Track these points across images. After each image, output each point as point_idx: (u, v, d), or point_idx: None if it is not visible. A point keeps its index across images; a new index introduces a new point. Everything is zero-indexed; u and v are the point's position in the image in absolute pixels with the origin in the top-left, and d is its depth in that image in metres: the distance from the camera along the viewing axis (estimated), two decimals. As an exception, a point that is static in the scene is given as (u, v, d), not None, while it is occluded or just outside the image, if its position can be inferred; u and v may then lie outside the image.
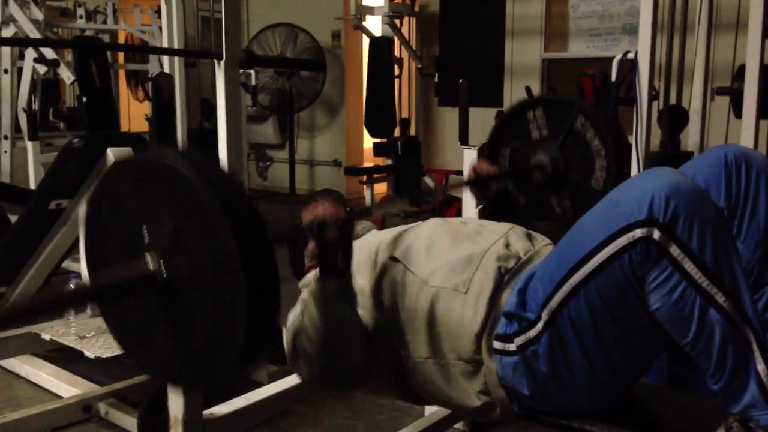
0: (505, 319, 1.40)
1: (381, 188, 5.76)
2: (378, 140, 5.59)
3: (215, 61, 2.61)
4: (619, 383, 1.43)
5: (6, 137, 5.18)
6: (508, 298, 1.41)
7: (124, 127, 7.05)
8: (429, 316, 1.46)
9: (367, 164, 6.14)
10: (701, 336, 1.18)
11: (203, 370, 1.10)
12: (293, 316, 1.54)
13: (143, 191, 1.11)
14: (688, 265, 1.16)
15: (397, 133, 5.71)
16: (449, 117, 5.78)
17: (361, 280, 1.55)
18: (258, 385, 2.17)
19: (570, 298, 1.27)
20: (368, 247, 1.61)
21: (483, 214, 1.98)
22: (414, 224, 1.70)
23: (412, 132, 5.98)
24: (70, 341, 2.28)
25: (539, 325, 1.33)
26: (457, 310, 1.44)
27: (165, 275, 1.05)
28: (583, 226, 1.31)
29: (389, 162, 5.60)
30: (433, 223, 1.68)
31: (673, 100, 2.98)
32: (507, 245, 1.52)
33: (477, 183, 1.87)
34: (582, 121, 1.93)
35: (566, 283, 1.27)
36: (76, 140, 2.25)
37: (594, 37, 5.43)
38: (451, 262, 1.49)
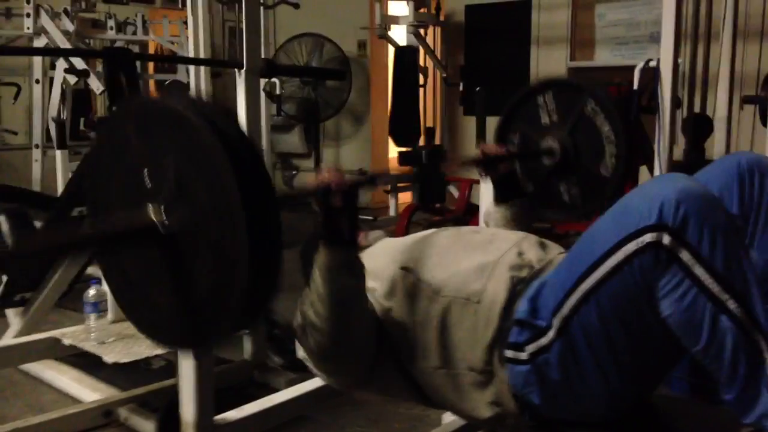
0: (517, 327, 1.38)
1: (406, 197, 5.76)
2: (403, 149, 5.59)
3: (236, 70, 2.66)
4: (633, 391, 1.41)
5: (37, 146, 5.29)
6: (520, 306, 1.40)
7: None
8: (440, 327, 1.45)
9: (392, 173, 6.14)
10: (713, 343, 1.16)
11: (203, 326, 1.06)
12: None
13: (146, 136, 1.08)
14: (699, 271, 1.14)
15: (422, 142, 5.71)
16: (474, 126, 5.76)
17: (375, 286, 1.54)
18: (275, 391, 2.19)
19: (581, 305, 1.26)
20: (382, 256, 1.61)
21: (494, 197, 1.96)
22: (425, 233, 1.70)
23: (437, 141, 5.97)
24: (89, 347, 2.31)
25: (551, 333, 1.31)
26: (470, 320, 1.43)
27: (166, 226, 1.03)
28: (593, 232, 1.30)
29: (414, 171, 5.59)
30: (445, 232, 1.68)
31: (697, 109, 2.95)
32: (520, 254, 1.51)
33: (484, 163, 1.86)
34: (592, 105, 1.90)
35: (577, 289, 1.26)
36: (97, 148, 2.28)
37: (621, 45, 5.39)
38: (463, 272, 1.48)
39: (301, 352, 1.59)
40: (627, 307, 1.23)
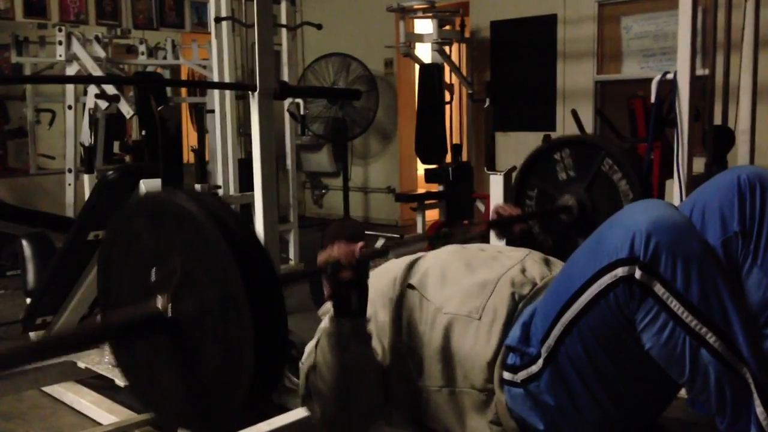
0: (511, 352, 1.38)
1: (433, 214, 5.74)
2: (429, 167, 5.58)
3: (249, 92, 2.67)
4: (634, 418, 1.37)
5: (70, 170, 5.40)
6: (513, 332, 1.39)
7: (185, 157, 7.23)
8: (443, 344, 1.45)
9: (420, 191, 6.13)
10: (696, 377, 1.13)
11: (209, 411, 1.10)
12: (309, 348, 1.53)
13: (155, 231, 1.13)
14: (674, 305, 1.11)
15: (448, 159, 5.68)
16: (502, 142, 5.71)
17: (381, 308, 1.54)
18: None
19: (565, 336, 1.25)
20: (388, 275, 1.61)
21: None
22: (432, 251, 1.69)
23: (465, 158, 5.95)
24: (102, 369, 2.34)
25: (540, 362, 1.31)
26: (471, 337, 1.43)
27: (173, 316, 1.08)
28: (573, 263, 1.29)
29: (441, 188, 5.56)
30: (450, 249, 1.67)
31: (718, 121, 2.89)
32: (523, 271, 1.50)
33: (499, 224, 1.87)
34: (609, 163, 1.92)
35: (560, 320, 1.25)
36: (110, 173, 2.33)
37: (648, 57, 5.32)
38: (465, 288, 1.48)
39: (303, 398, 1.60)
40: (610, 339, 1.21)
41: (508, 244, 1.92)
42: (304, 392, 1.51)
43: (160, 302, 1.08)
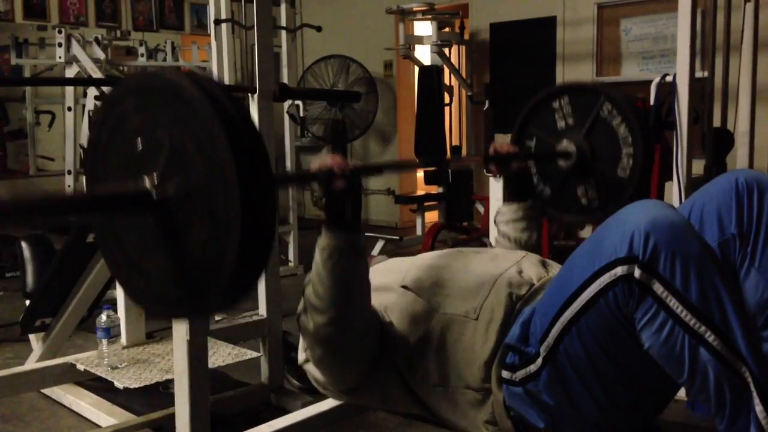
0: (510, 351, 1.38)
1: (433, 216, 5.74)
2: (429, 168, 5.58)
3: (249, 94, 2.68)
4: (632, 418, 1.38)
5: (69, 172, 5.40)
6: (512, 331, 1.39)
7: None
8: (439, 344, 1.46)
9: (420, 193, 6.13)
10: (696, 376, 1.13)
11: (195, 294, 1.07)
12: None
13: (143, 109, 1.09)
14: (673, 303, 1.12)
15: (448, 160, 5.69)
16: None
17: (377, 308, 1.54)
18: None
19: (564, 335, 1.25)
20: (384, 276, 1.61)
21: (505, 194, 1.94)
22: (429, 253, 1.70)
23: (464, 160, 5.95)
24: (102, 372, 2.33)
25: (539, 361, 1.31)
26: (468, 337, 1.43)
27: (160, 194, 1.04)
28: (572, 262, 1.29)
29: (441, 190, 5.57)
30: (448, 251, 1.68)
31: (717, 123, 2.89)
32: (520, 272, 1.51)
33: (495, 160, 1.85)
34: (609, 108, 1.89)
35: (559, 320, 1.26)
36: (109, 175, 2.32)
37: (648, 59, 5.32)
38: (462, 289, 1.48)
39: (301, 355, 1.58)
40: (609, 338, 1.21)
41: (505, 181, 1.91)
42: (302, 307, 1.48)
43: (147, 182, 1.05)
